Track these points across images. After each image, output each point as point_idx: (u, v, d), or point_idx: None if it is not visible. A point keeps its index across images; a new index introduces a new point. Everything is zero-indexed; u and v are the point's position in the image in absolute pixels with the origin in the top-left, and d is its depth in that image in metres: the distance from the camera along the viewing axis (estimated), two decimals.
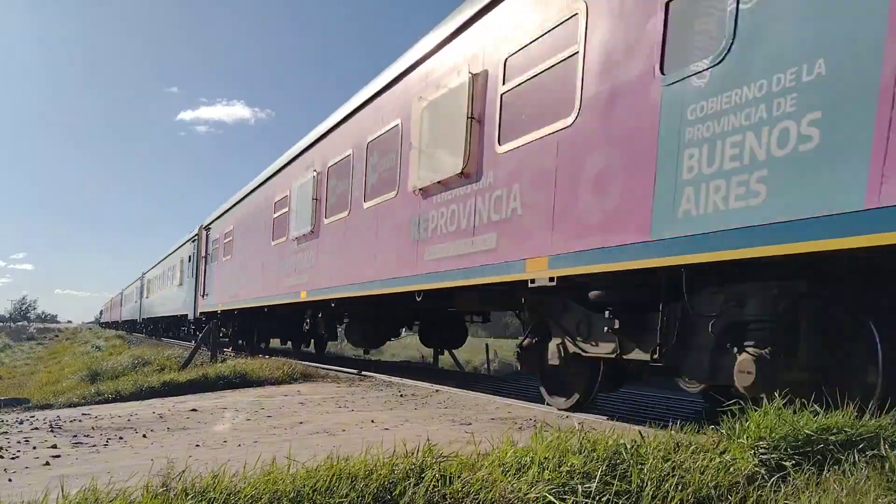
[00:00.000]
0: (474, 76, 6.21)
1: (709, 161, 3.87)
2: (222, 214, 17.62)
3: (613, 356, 5.02)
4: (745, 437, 2.91)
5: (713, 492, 2.50)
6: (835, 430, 2.88)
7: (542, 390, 6.11)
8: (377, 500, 2.37)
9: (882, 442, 2.80)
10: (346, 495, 2.35)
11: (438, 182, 6.67)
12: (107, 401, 6.96)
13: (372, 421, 4.83)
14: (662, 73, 4.23)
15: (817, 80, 3.36)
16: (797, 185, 3.40)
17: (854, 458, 2.71)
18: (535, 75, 5.44)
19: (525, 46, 5.57)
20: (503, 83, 5.83)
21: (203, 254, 19.74)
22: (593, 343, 5.28)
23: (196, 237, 20.96)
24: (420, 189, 7.03)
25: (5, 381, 16.33)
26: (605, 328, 4.89)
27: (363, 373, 9.77)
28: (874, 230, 3.07)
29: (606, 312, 4.87)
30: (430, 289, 6.89)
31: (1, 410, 6.20)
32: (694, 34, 4.15)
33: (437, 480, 2.46)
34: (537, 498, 2.36)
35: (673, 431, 3.30)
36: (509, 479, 2.50)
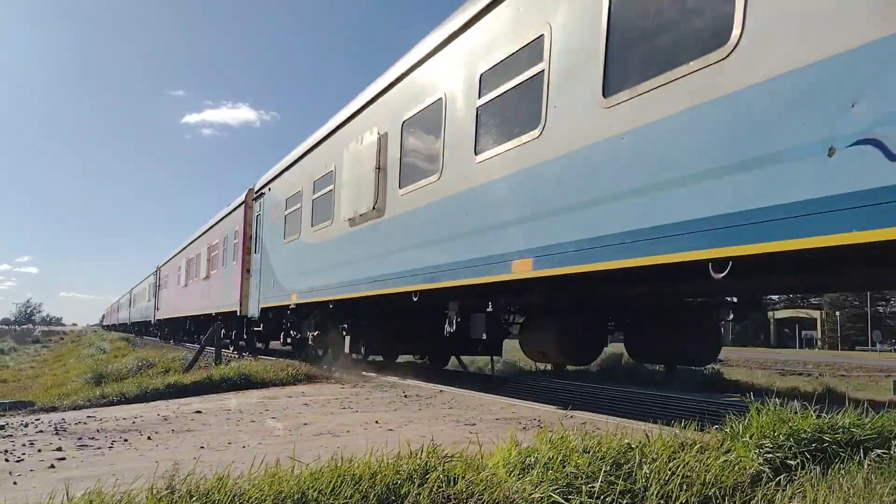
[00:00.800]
0: (216, 242, 19.36)
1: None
2: (167, 262, 30.85)
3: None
4: (748, 436, 2.90)
5: (718, 491, 2.48)
6: (839, 430, 2.87)
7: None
8: (381, 501, 2.37)
9: (892, 442, 2.79)
10: (351, 496, 2.34)
11: (205, 275, 19.99)
12: (111, 403, 6.96)
13: (376, 422, 4.84)
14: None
15: None
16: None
17: (860, 456, 2.70)
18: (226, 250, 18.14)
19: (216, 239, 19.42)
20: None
21: (158, 283, 33.56)
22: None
23: (154, 273, 35.15)
24: (203, 277, 20.30)
25: (10, 384, 16.39)
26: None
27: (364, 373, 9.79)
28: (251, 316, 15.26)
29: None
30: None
31: (6, 413, 6.21)
32: None
33: (442, 481, 2.45)
34: (542, 498, 2.35)
35: (677, 430, 3.28)
36: (513, 479, 2.49)
